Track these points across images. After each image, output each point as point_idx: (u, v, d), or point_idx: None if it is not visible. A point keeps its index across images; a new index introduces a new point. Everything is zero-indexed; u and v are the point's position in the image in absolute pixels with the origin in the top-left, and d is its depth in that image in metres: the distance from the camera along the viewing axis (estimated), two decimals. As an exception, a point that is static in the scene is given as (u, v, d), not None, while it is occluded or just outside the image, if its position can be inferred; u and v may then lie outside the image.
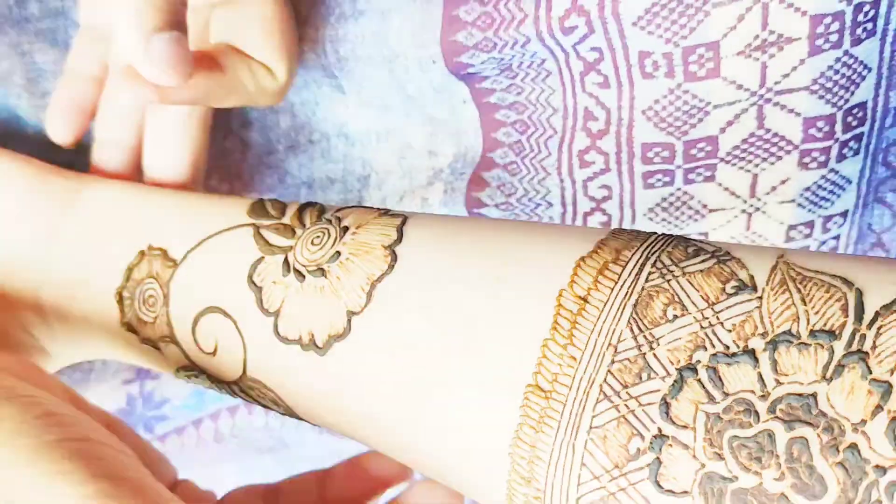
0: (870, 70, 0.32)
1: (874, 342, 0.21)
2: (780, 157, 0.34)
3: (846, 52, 0.31)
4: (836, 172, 0.35)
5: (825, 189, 0.35)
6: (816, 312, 0.22)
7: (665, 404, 0.23)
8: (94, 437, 0.27)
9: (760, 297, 0.23)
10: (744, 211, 0.36)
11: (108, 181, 0.36)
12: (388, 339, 0.27)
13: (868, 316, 0.22)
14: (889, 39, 0.31)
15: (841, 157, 0.34)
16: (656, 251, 0.25)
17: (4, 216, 0.34)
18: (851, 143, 0.34)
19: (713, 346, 0.23)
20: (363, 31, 0.36)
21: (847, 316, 0.22)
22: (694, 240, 0.26)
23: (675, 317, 0.23)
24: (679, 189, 0.36)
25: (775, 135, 0.33)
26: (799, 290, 0.23)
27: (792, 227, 0.36)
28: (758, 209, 0.36)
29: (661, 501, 0.22)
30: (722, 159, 0.34)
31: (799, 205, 0.36)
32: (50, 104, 0.38)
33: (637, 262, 0.25)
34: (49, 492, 0.25)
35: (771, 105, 0.33)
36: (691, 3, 0.30)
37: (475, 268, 0.27)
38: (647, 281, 0.24)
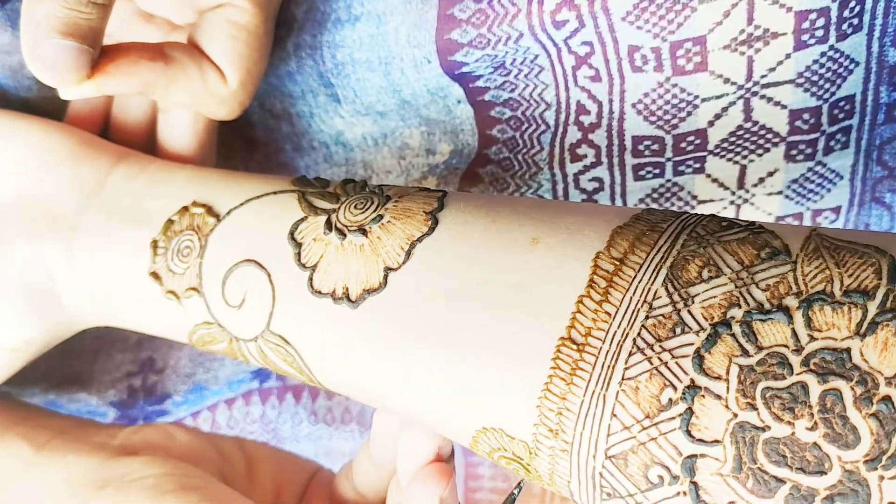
0: (857, 64, 0.33)
1: None
2: (767, 149, 0.35)
3: (831, 47, 0.32)
4: (824, 165, 0.35)
5: (813, 182, 0.36)
6: (850, 275, 0.23)
7: (699, 357, 0.23)
8: None
9: (794, 262, 0.23)
10: (732, 202, 0.37)
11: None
12: (423, 294, 0.27)
13: None
14: (876, 34, 0.32)
15: (828, 150, 0.35)
16: (691, 223, 0.26)
17: (55, 166, 0.35)
18: (839, 136, 0.34)
19: (747, 304, 0.23)
20: (360, 36, 0.36)
21: (880, 279, 0.22)
22: (726, 217, 0.26)
23: (710, 277, 0.24)
24: (669, 180, 0.36)
25: (762, 127, 0.34)
26: (833, 256, 0.23)
27: (780, 219, 0.37)
28: (746, 200, 0.37)
29: (691, 450, 0.23)
30: (711, 151, 0.35)
31: (786, 196, 0.36)
32: (68, 108, 0.40)
33: (673, 231, 0.25)
34: None
35: (757, 98, 0.33)
36: None
37: (513, 231, 0.27)
38: (683, 247, 0.25)
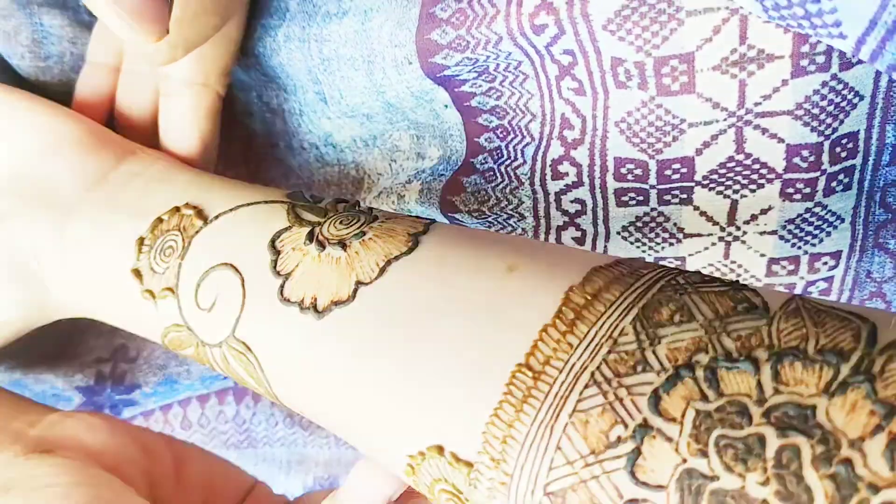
0: (862, 98, 0.30)
1: (883, 367, 0.20)
2: (761, 185, 0.32)
3: (834, 76, 0.29)
4: (824, 207, 0.32)
5: (811, 223, 0.33)
6: (827, 335, 0.21)
7: (656, 397, 0.22)
8: None
9: (771, 318, 0.22)
10: (721, 238, 0.34)
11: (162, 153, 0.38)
12: (389, 310, 0.27)
13: (880, 345, 0.21)
14: None
15: (829, 191, 0.32)
16: (673, 273, 0.25)
17: (60, 151, 0.35)
18: (841, 177, 0.31)
19: (715, 351, 0.22)
20: (346, 31, 0.35)
21: (858, 343, 0.21)
22: (712, 276, 0.25)
23: (682, 321, 0.23)
24: (654, 209, 0.34)
25: (756, 161, 0.31)
26: (812, 317, 0.22)
27: (774, 261, 0.34)
28: (737, 238, 0.34)
29: (633, 493, 0.21)
30: (698, 183, 0.32)
31: (781, 237, 0.33)
32: (74, 94, 0.40)
33: (653, 276, 0.25)
34: None
35: (751, 128, 0.30)
36: (663, 8, 0.28)
37: (491, 258, 0.27)
38: (659, 291, 0.24)
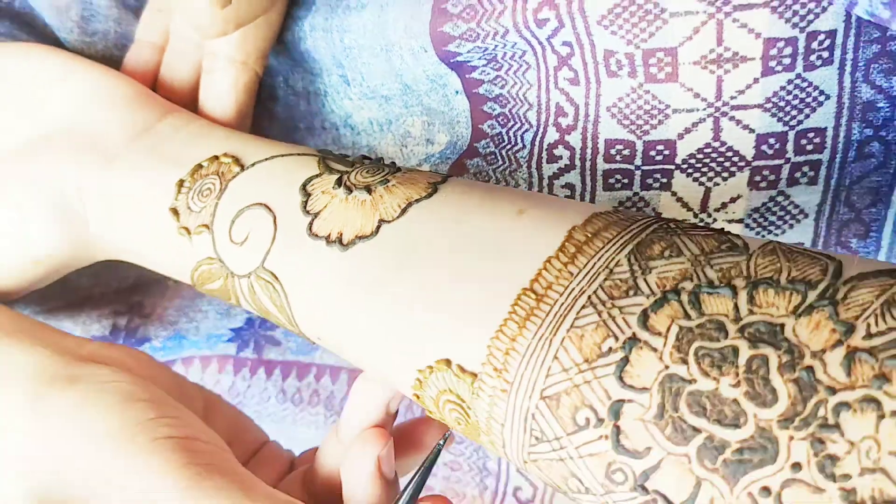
0: (828, 97, 0.33)
1: (846, 294, 0.23)
2: (732, 173, 0.35)
3: (798, 76, 0.33)
4: (787, 197, 0.36)
5: (774, 213, 0.36)
6: (798, 269, 0.25)
7: (644, 315, 0.25)
8: (199, 437, 0.31)
9: (750, 255, 0.25)
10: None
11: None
12: (407, 243, 0.30)
13: (844, 277, 0.24)
14: (848, 69, 0.33)
15: (792, 181, 0.35)
16: (666, 219, 0.28)
17: (109, 105, 0.39)
18: (805, 168, 0.35)
19: (699, 279, 0.25)
20: (364, 23, 0.39)
21: (825, 275, 0.24)
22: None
23: (671, 256, 0.26)
24: (636, 194, 0.37)
25: (729, 148, 0.35)
26: (786, 255, 0.25)
27: None
28: (707, 225, 0.37)
29: (620, 394, 0.24)
30: (678, 166, 0.36)
31: (747, 225, 0.37)
32: (122, 66, 0.44)
33: (647, 220, 0.28)
34: (153, 479, 0.29)
35: (727, 119, 0.34)
36: (650, 9, 0.32)
37: (503, 203, 0.30)
38: (653, 232, 0.27)
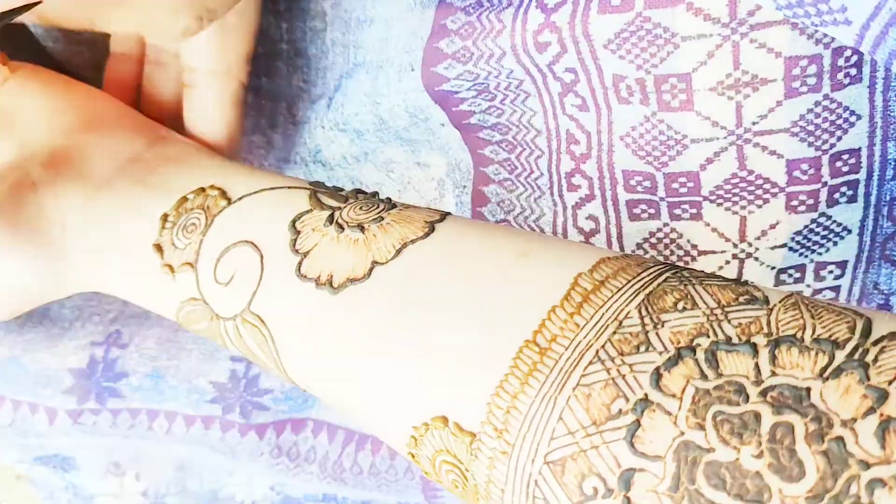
0: (859, 117, 0.31)
1: (876, 356, 0.21)
2: (766, 200, 0.33)
3: (826, 97, 0.30)
4: (829, 217, 0.33)
5: (818, 234, 0.34)
6: (823, 326, 0.22)
7: (657, 374, 0.23)
8: None
9: (771, 309, 0.23)
10: (735, 256, 0.35)
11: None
12: (403, 290, 0.28)
13: (874, 337, 0.22)
14: (879, 87, 0.30)
15: (832, 202, 0.33)
16: (678, 267, 0.26)
17: (95, 128, 0.37)
18: (843, 189, 0.32)
19: (716, 336, 0.23)
20: (374, 38, 0.37)
21: (853, 334, 0.22)
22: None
23: (685, 309, 0.24)
24: (666, 225, 0.35)
25: (759, 176, 0.32)
26: (810, 311, 0.23)
27: (782, 271, 0.35)
28: (750, 255, 0.35)
29: (631, 463, 0.22)
30: (706, 198, 0.34)
31: (790, 248, 0.34)
32: (103, 84, 0.42)
33: (659, 268, 0.26)
34: None
35: (751, 146, 0.32)
36: (659, 34, 0.30)
37: (503, 246, 0.28)
38: (665, 281, 0.25)
